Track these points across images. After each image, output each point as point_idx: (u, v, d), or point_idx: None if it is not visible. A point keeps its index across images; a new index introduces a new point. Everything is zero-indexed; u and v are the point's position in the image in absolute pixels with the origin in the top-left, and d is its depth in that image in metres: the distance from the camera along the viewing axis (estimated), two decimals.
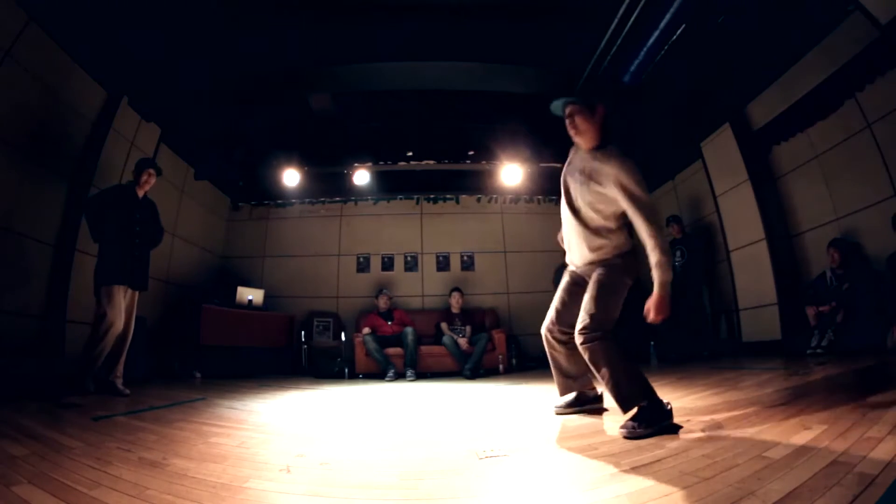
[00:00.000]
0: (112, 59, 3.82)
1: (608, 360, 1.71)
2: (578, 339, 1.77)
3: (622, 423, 1.61)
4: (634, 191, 1.70)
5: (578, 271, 2.01)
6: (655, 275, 1.66)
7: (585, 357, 1.78)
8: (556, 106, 1.91)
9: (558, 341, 2.05)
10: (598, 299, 1.78)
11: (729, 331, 5.34)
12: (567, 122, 1.88)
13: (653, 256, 1.67)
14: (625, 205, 1.73)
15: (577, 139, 1.90)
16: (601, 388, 1.99)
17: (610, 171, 1.75)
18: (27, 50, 3.22)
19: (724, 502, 0.89)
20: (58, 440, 1.58)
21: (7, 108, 3.17)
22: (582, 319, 1.78)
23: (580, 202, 1.87)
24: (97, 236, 3.22)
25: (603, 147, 1.85)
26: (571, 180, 1.92)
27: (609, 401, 1.96)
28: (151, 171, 3.41)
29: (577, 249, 1.96)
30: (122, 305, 3.13)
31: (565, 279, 2.07)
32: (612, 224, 1.85)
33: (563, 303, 2.02)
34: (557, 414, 2.11)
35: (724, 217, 5.21)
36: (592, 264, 1.90)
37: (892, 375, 2.39)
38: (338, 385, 4.24)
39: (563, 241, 2.10)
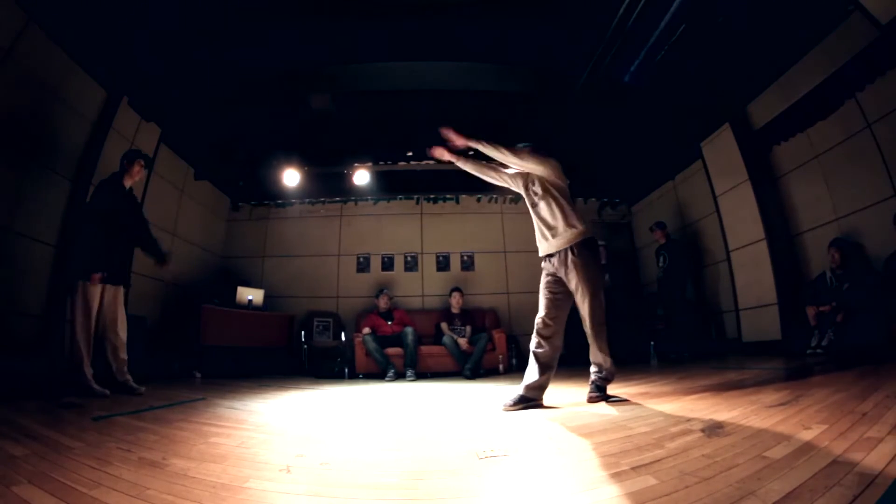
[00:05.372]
0: (112, 59, 3.82)
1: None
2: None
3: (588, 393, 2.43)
4: None
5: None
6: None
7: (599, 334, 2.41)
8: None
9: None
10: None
11: (718, 332, 5.37)
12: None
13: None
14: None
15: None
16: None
17: None
18: (27, 50, 3.22)
19: (724, 502, 0.89)
20: (58, 440, 1.58)
21: (7, 108, 3.18)
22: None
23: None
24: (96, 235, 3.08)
25: None
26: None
27: (547, 398, 2.49)
28: (142, 161, 3.36)
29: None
30: (97, 303, 3.01)
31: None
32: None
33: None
34: (506, 411, 2.32)
35: (724, 217, 5.21)
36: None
37: (892, 375, 2.39)
38: (338, 385, 4.23)
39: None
